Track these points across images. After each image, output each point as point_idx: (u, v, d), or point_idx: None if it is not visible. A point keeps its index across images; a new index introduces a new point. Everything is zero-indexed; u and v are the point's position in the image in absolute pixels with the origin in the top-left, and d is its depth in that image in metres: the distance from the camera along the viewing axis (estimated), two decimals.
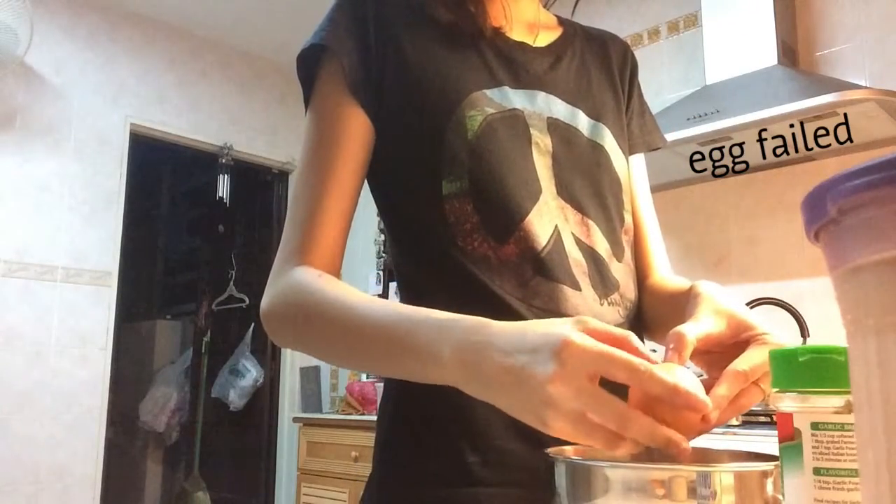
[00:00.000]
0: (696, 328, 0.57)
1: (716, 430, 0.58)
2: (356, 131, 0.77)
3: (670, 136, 2.28)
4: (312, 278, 0.71)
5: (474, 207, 0.74)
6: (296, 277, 0.72)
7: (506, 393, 0.53)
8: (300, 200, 0.76)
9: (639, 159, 0.92)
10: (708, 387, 0.53)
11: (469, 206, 0.74)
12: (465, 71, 0.78)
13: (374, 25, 0.78)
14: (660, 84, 2.94)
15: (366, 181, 0.84)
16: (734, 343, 0.58)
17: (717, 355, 0.58)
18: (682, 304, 0.68)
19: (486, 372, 0.54)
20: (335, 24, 0.78)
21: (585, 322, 0.52)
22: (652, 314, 0.83)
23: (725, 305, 0.61)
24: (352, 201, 0.77)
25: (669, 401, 0.48)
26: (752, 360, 0.55)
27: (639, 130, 0.92)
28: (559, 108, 0.81)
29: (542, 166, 0.77)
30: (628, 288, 0.80)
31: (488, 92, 0.77)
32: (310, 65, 0.80)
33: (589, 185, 0.80)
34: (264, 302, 0.74)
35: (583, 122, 0.82)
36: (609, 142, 0.83)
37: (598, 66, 0.89)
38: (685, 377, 0.51)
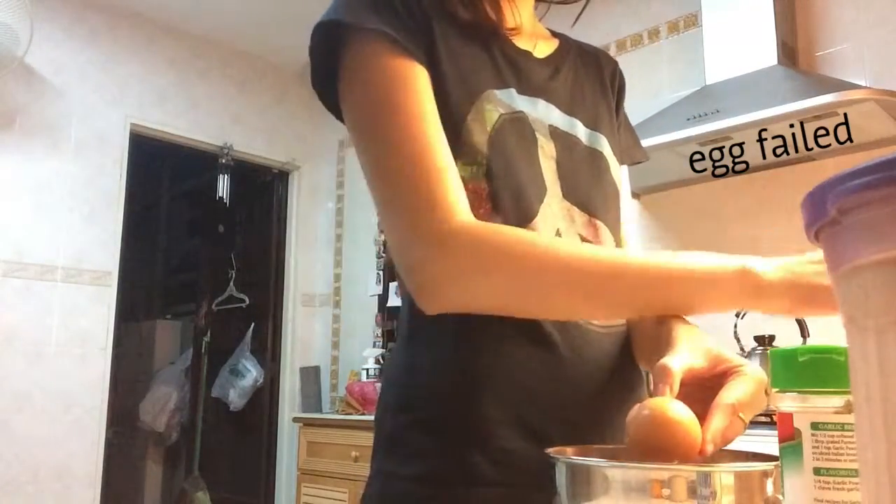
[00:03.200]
0: (680, 361, 0.58)
1: None
2: (425, 80, 0.73)
3: (670, 136, 2.28)
4: (499, 228, 0.68)
5: (489, 193, 0.74)
6: (480, 227, 0.66)
7: (818, 274, 0.61)
8: (410, 151, 0.68)
9: (623, 171, 0.93)
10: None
11: (484, 192, 0.74)
12: (480, 69, 0.78)
13: (418, 11, 0.75)
14: (660, 84, 2.94)
15: None
16: (710, 376, 0.60)
17: (692, 387, 0.59)
18: (648, 329, 0.70)
19: (784, 265, 0.63)
20: (377, 8, 0.73)
21: None
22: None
23: (699, 341, 0.62)
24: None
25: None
26: (736, 392, 0.56)
27: (624, 144, 0.94)
28: (557, 117, 0.82)
29: (548, 169, 0.78)
30: None
31: (498, 92, 0.78)
32: (337, 37, 0.74)
33: (593, 188, 0.81)
34: (427, 255, 0.66)
35: (581, 131, 0.84)
36: (606, 149, 0.85)
37: (592, 79, 0.91)
38: (677, 408, 0.52)
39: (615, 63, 0.96)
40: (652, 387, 0.57)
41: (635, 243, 0.92)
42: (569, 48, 0.91)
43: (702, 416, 0.54)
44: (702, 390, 0.58)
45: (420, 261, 0.67)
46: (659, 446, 0.51)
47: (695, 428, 0.51)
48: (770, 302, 0.62)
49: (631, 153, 0.95)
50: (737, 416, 0.55)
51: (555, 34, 0.93)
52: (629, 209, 0.93)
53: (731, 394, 0.55)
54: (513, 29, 0.83)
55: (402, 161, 0.69)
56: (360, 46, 0.73)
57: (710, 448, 0.52)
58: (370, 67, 0.72)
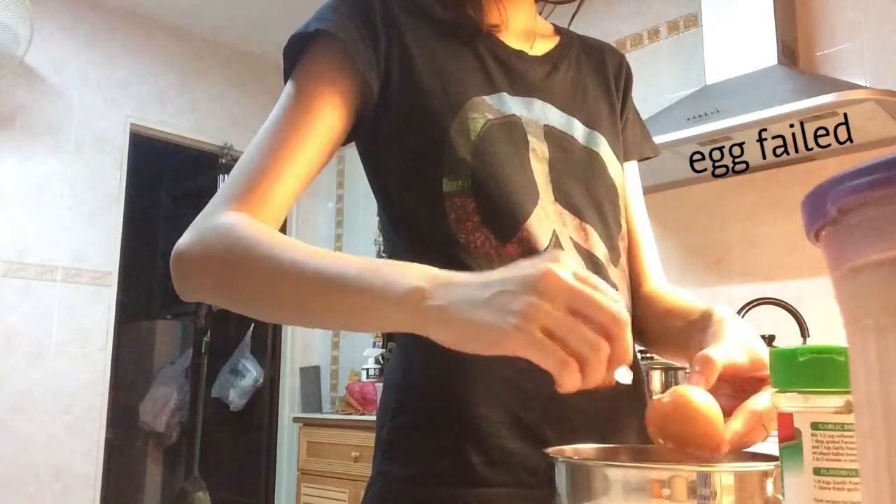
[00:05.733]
0: (724, 354, 0.58)
1: None
2: (342, 109, 0.75)
3: (670, 136, 2.28)
4: (247, 221, 0.67)
5: (476, 206, 0.74)
6: (227, 219, 0.67)
7: (474, 304, 0.52)
8: (258, 150, 0.72)
9: (632, 166, 0.93)
10: None
11: (471, 205, 0.74)
12: (465, 75, 0.78)
13: (382, 24, 0.77)
14: (660, 84, 2.93)
15: (367, 179, 0.84)
16: (748, 377, 0.59)
17: (729, 382, 0.59)
18: (685, 321, 0.69)
19: (456, 287, 0.54)
20: (340, 16, 0.76)
21: (566, 260, 0.52)
22: (646, 325, 0.83)
23: (748, 340, 0.62)
24: (311, 171, 0.74)
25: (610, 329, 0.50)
26: (766, 402, 0.56)
27: (632, 139, 0.93)
28: (555, 117, 0.82)
29: (540, 172, 0.77)
30: (623, 292, 0.81)
31: (487, 98, 0.77)
32: (304, 45, 0.78)
33: (586, 191, 0.80)
34: (182, 241, 0.69)
35: (578, 130, 0.83)
36: (604, 149, 0.83)
37: (594, 75, 0.90)
38: (704, 398, 0.52)
39: (621, 56, 0.95)
40: (687, 373, 0.57)
41: (649, 240, 0.90)
42: (571, 44, 0.90)
43: (730, 413, 0.54)
44: (738, 388, 0.58)
45: (178, 244, 0.69)
46: (679, 432, 0.51)
47: (717, 419, 0.52)
48: (434, 332, 0.54)
49: (640, 148, 0.94)
50: (761, 425, 0.55)
51: (558, 30, 0.92)
52: (641, 206, 0.92)
53: (761, 402, 0.56)
54: (495, 25, 0.82)
55: (251, 154, 0.72)
56: (309, 48, 0.77)
57: (725, 448, 0.52)
58: (300, 67, 0.77)
